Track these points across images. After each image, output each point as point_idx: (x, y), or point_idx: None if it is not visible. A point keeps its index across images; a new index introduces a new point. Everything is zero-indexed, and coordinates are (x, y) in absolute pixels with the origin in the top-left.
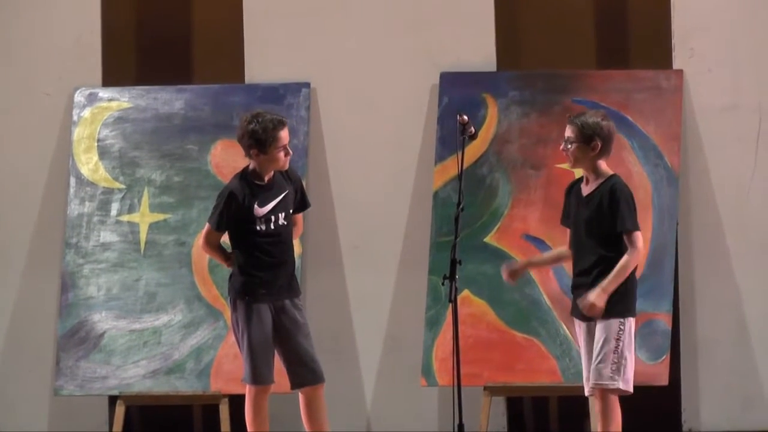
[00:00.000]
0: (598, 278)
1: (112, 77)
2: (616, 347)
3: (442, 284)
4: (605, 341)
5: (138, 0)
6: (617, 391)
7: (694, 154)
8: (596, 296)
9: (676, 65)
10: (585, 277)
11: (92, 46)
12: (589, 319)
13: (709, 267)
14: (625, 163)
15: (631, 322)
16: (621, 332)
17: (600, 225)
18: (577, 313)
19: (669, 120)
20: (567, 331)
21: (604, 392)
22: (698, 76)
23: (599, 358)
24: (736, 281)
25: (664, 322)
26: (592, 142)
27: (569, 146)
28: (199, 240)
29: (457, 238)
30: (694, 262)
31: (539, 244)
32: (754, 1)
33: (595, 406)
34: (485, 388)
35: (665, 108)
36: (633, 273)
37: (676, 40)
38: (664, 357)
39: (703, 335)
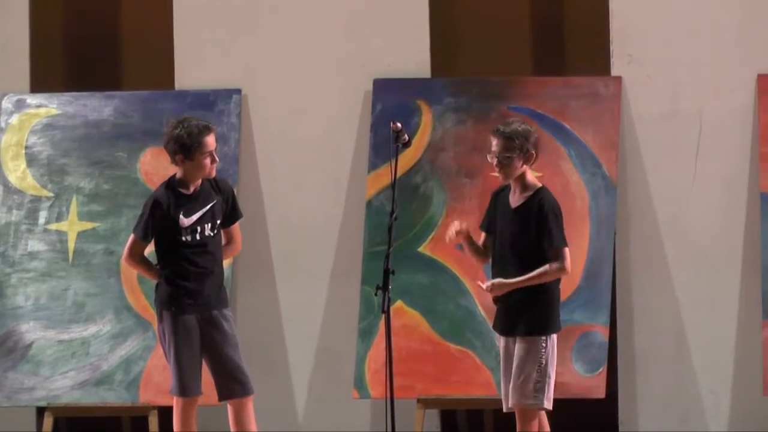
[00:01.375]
0: (518, 292)
1: (40, 83)
2: (539, 366)
3: (375, 294)
4: (527, 360)
5: (66, 5)
6: (532, 411)
7: (633, 163)
8: (497, 285)
9: (614, 72)
10: (504, 295)
11: (20, 52)
12: (509, 333)
13: (647, 278)
14: (562, 171)
15: (554, 339)
16: (543, 350)
17: (527, 240)
18: (498, 327)
19: (607, 128)
20: None
21: (524, 411)
22: (637, 82)
23: (522, 377)
24: (675, 292)
25: (601, 333)
26: (528, 152)
27: (505, 158)
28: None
29: (391, 248)
30: (631, 273)
31: None
32: (694, 7)
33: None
34: (419, 401)
35: (603, 115)
36: (556, 288)
37: (614, 46)
38: (601, 369)
39: (640, 347)
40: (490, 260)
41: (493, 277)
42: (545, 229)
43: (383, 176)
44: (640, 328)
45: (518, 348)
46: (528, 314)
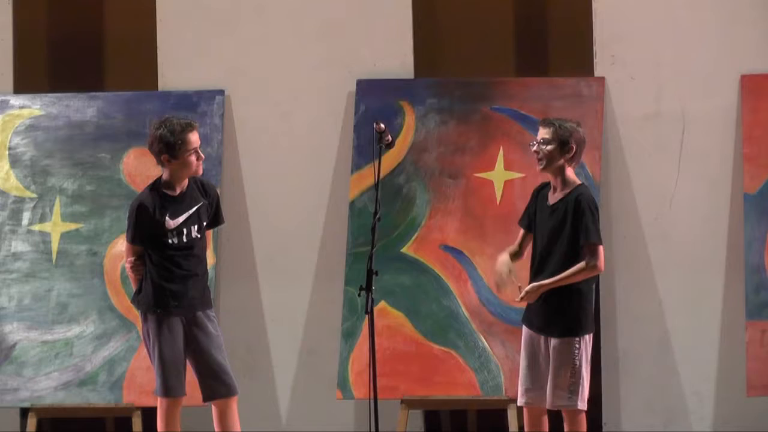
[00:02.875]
0: (553, 292)
1: (23, 84)
2: (573, 368)
3: (359, 295)
4: (561, 362)
5: (50, 6)
6: (576, 411)
7: (616, 163)
8: (531, 290)
9: (597, 72)
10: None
11: (3, 53)
12: (542, 332)
13: (631, 278)
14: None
15: (587, 340)
16: (577, 351)
17: (564, 236)
18: (530, 322)
19: (590, 128)
20: (486, 344)
21: (569, 413)
22: (620, 83)
23: (557, 379)
24: (658, 293)
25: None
26: (568, 145)
27: (544, 147)
28: (123, 260)
29: (374, 249)
30: (615, 274)
31: (457, 254)
32: (677, 8)
33: (525, 418)
34: (402, 401)
35: (586, 116)
36: (588, 288)
37: (597, 47)
38: None
39: (624, 348)
40: (530, 258)
41: (532, 275)
42: (581, 224)
43: (366, 177)
44: (624, 329)
45: (553, 349)
46: (562, 315)
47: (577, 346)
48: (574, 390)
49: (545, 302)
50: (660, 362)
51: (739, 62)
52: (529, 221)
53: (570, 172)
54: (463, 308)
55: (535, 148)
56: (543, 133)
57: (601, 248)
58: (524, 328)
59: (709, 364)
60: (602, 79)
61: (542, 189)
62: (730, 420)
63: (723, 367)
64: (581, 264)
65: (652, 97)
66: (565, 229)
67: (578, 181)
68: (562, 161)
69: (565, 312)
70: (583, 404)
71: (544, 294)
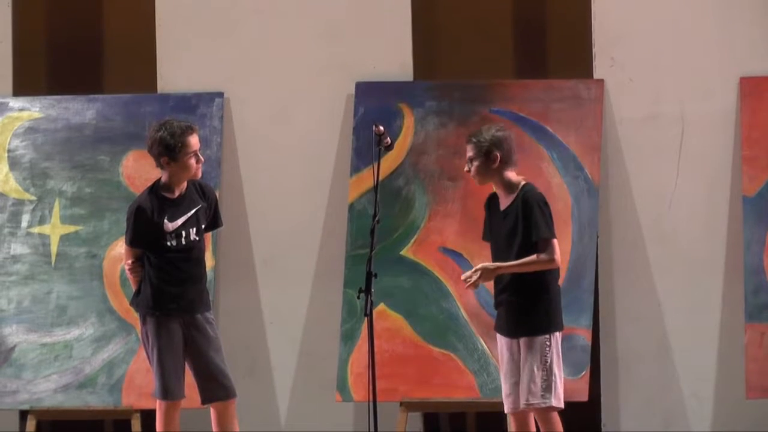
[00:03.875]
0: (517, 294)
1: (23, 87)
2: (544, 364)
3: (358, 298)
4: (532, 359)
5: (49, 9)
6: (550, 408)
7: (615, 166)
8: (483, 269)
9: (596, 75)
10: (503, 294)
11: (3, 56)
12: (513, 335)
13: (630, 281)
14: (545, 174)
15: (557, 337)
16: (547, 348)
17: (518, 237)
18: (500, 328)
19: (589, 130)
20: (485, 346)
21: (539, 411)
22: (619, 85)
23: (528, 377)
24: (657, 295)
25: (584, 337)
26: (491, 154)
27: (470, 165)
28: (123, 262)
29: (373, 251)
30: (614, 276)
31: (456, 257)
32: (675, 10)
33: (511, 425)
34: (401, 404)
35: (585, 118)
36: (556, 287)
37: (596, 50)
38: (583, 372)
39: (623, 350)
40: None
41: (495, 284)
42: (532, 221)
43: (366, 179)
44: (623, 330)
45: (523, 349)
46: (530, 315)
47: (547, 343)
48: (547, 388)
49: (512, 306)
50: (659, 364)
51: (738, 64)
52: (487, 232)
53: (510, 175)
54: (463, 310)
55: (466, 168)
56: (467, 151)
57: (554, 242)
58: (498, 336)
59: (708, 366)
60: (601, 81)
61: (492, 198)
62: (729, 422)
63: (722, 369)
64: (533, 257)
65: (651, 99)
66: (517, 231)
67: (522, 181)
68: (494, 171)
69: (533, 311)
70: (557, 402)
71: (509, 297)
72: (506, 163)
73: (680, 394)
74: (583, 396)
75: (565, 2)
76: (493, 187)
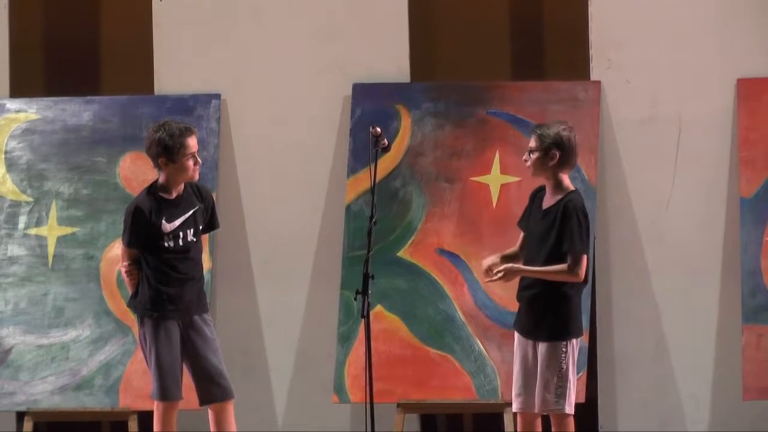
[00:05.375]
0: (540, 296)
1: (20, 88)
2: (559, 371)
3: (355, 299)
4: (548, 366)
5: (46, 10)
6: (563, 415)
7: (612, 167)
8: (508, 270)
9: (593, 76)
10: (527, 291)
11: None
12: (530, 336)
13: (627, 282)
14: None
15: (574, 344)
16: (564, 354)
17: (550, 240)
18: (519, 327)
19: (586, 132)
20: (482, 347)
21: (554, 416)
22: (616, 87)
23: (543, 383)
24: (655, 297)
25: (581, 338)
26: (551, 151)
27: (530, 156)
28: (119, 264)
29: (370, 253)
30: (611, 278)
31: (453, 258)
32: (672, 12)
33: (519, 424)
34: (398, 405)
35: (582, 120)
36: (576, 294)
37: (593, 51)
38: (580, 374)
39: (620, 351)
40: (520, 254)
41: (520, 280)
42: (567, 230)
43: (363, 181)
44: (620, 332)
45: (540, 353)
46: (550, 319)
47: (564, 350)
48: (561, 394)
49: (533, 306)
50: (656, 365)
51: (735, 66)
52: (524, 223)
53: (564, 178)
54: (460, 312)
55: (525, 156)
56: (530, 141)
57: (584, 258)
58: (516, 334)
59: (705, 368)
60: (598, 82)
61: (539, 191)
62: (726, 423)
63: (719, 371)
64: (563, 266)
65: (648, 101)
66: (551, 234)
67: (572, 188)
68: (550, 168)
69: (552, 316)
70: (570, 408)
71: (532, 297)
72: (564, 164)
73: (677, 396)
74: (580, 397)
75: (562, 4)
76: (544, 182)
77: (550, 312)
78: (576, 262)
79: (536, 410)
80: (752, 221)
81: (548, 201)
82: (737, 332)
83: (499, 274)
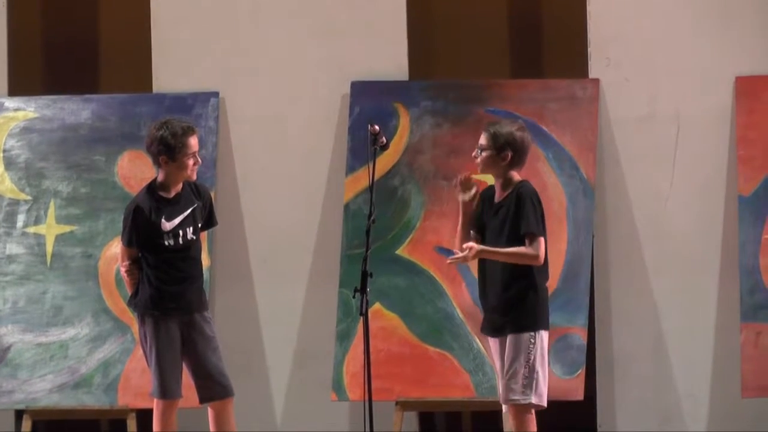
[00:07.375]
0: (506, 293)
1: (18, 86)
2: (527, 362)
3: (353, 297)
4: (515, 356)
5: (44, 8)
6: (530, 406)
7: (611, 165)
8: (471, 249)
9: (592, 74)
10: (493, 294)
11: None
12: (498, 334)
13: (626, 280)
14: (540, 174)
15: (542, 336)
16: (532, 346)
17: (506, 230)
18: (487, 329)
19: (585, 130)
20: (480, 345)
21: (516, 408)
22: (615, 85)
23: (509, 373)
24: (653, 294)
25: (580, 336)
26: (503, 152)
27: (481, 153)
28: (118, 263)
29: (369, 251)
30: (610, 275)
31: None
32: (671, 10)
33: (509, 422)
34: (397, 403)
35: (581, 118)
36: (543, 286)
37: (592, 49)
38: (579, 371)
39: (619, 349)
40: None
41: (481, 283)
42: (523, 214)
43: (361, 179)
44: (619, 330)
45: (507, 345)
46: (516, 312)
47: (532, 341)
48: (527, 384)
49: (500, 302)
50: (655, 364)
51: (734, 64)
52: (478, 224)
53: (514, 175)
54: (458, 310)
55: (474, 153)
56: (481, 139)
57: (541, 240)
58: (489, 340)
59: (704, 366)
60: (597, 80)
61: (488, 191)
62: (725, 421)
63: (717, 369)
64: (522, 247)
65: (646, 99)
66: (507, 223)
67: (520, 179)
68: (501, 166)
69: (519, 308)
70: (538, 400)
71: (495, 297)
72: (515, 164)
73: (676, 394)
74: (579, 395)
75: (560, 2)
76: (493, 179)
77: (516, 306)
78: (533, 243)
79: (501, 400)
80: (751, 219)
81: (499, 195)
82: (736, 330)
83: (464, 252)
